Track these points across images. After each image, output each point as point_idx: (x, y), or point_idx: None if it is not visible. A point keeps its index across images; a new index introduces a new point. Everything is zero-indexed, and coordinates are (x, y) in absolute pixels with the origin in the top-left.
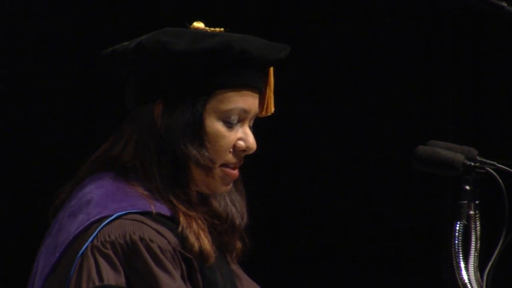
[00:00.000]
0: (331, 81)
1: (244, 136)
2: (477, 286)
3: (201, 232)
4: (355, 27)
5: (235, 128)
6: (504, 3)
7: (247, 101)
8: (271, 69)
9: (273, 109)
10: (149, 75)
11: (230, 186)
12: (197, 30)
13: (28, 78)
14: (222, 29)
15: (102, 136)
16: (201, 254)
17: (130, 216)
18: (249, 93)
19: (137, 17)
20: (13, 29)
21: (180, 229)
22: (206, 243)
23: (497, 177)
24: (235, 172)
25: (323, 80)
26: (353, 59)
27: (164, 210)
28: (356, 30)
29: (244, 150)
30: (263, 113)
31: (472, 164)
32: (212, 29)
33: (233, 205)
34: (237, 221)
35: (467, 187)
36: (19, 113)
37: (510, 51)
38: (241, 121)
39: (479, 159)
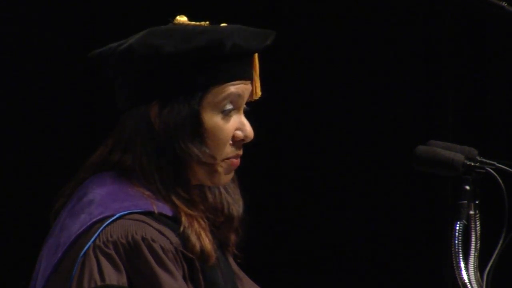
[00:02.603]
0: (331, 80)
1: (241, 126)
2: (477, 286)
3: (202, 232)
4: (355, 27)
5: (231, 118)
6: (504, 3)
7: (240, 87)
8: (256, 55)
9: (260, 93)
10: (142, 77)
11: (231, 176)
12: (184, 26)
13: (28, 77)
14: (207, 22)
15: (102, 136)
16: (202, 254)
17: (132, 216)
18: (241, 81)
19: (121, 14)
20: (12, 28)
21: (181, 229)
22: (207, 243)
23: (497, 177)
24: (238, 160)
25: (323, 80)
26: (353, 59)
27: (166, 210)
28: (356, 30)
29: (242, 140)
30: (252, 98)
31: (472, 164)
32: (196, 23)
33: (228, 195)
34: (234, 212)
35: (467, 187)
36: (19, 113)
37: (510, 51)
38: (236, 108)
39: (479, 159)
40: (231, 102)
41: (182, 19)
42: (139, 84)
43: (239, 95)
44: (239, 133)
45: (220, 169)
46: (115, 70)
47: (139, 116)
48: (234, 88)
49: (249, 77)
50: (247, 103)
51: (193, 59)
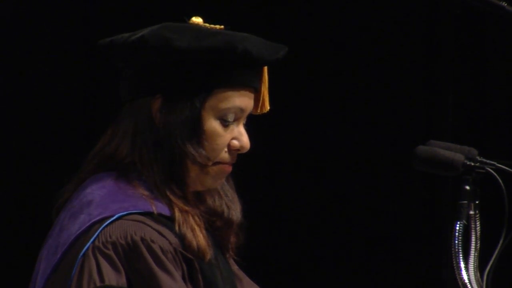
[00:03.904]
0: (330, 80)
1: (239, 136)
2: (477, 286)
3: (196, 228)
4: (355, 27)
5: (230, 127)
6: (504, 3)
7: (244, 100)
8: (266, 67)
9: (268, 107)
10: (150, 69)
11: (223, 181)
12: (199, 26)
13: (27, 77)
14: (222, 26)
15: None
16: (198, 251)
17: (131, 216)
18: (247, 92)
19: (135, 12)
20: (11, 27)
21: (177, 227)
22: (202, 239)
23: (497, 177)
24: (229, 167)
25: (322, 80)
26: (353, 59)
27: (165, 211)
28: (356, 30)
29: (238, 149)
30: (258, 111)
31: (472, 164)
32: (211, 25)
33: (228, 200)
34: (234, 216)
35: (467, 187)
36: (19, 113)
37: (510, 51)
38: (236, 120)
39: (479, 159)
40: (233, 114)
41: (197, 20)
42: (145, 75)
43: (241, 109)
44: (235, 142)
45: (211, 171)
46: (124, 59)
47: (140, 108)
48: (238, 101)
49: (255, 88)
50: (249, 116)
51: (203, 59)
